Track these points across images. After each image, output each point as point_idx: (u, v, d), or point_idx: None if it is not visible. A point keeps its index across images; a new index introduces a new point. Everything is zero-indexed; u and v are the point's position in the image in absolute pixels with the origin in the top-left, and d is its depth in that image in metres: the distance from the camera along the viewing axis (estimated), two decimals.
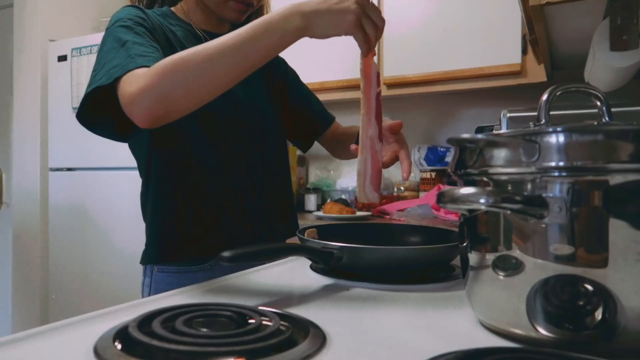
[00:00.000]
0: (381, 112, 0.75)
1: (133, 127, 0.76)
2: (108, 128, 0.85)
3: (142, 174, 0.93)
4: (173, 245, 0.89)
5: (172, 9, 0.98)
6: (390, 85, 2.12)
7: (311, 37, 0.69)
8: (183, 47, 0.88)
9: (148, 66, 0.71)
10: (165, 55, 0.80)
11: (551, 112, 0.46)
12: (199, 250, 0.88)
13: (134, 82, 0.69)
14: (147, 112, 0.69)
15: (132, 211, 2.10)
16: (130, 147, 0.95)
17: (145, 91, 0.68)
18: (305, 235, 0.77)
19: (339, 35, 0.69)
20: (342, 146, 1.11)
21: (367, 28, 0.68)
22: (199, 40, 0.93)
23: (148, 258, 0.91)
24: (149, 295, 0.87)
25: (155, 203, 0.90)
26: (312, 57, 2.28)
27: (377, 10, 0.69)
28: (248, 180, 0.92)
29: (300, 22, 0.67)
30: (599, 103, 0.48)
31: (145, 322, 0.40)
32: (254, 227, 0.93)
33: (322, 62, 2.26)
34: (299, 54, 2.34)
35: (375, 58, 0.74)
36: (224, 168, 0.90)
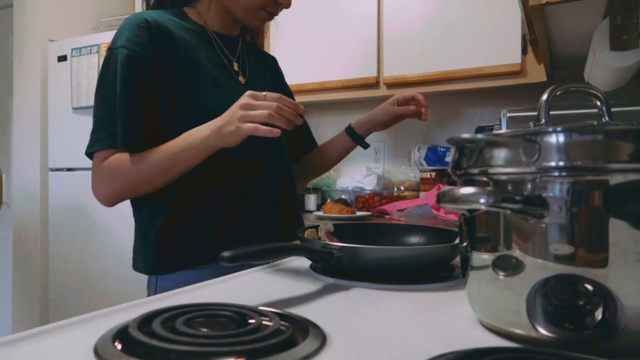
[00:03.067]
0: None
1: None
2: None
3: None
4: (182, 255, 0.88)
5: (185, 9, 0.98)
6: (390, 85, 2.12)
7: (226, 147, 0.80)
8: (193, 52, 0.90)
9: (126, 150, 0.84)
10: (170, 59, 0.87)
11: (551, 112, 0.46)
12: (208, 256, 0.86)
13: (102, 184, 0.85)
14: (107, 204, 0.88)
15: (132, 211, 2.10)
16: None
17: (102, 190, 0.86)
18: (306, 234, 0.77)
19: (246, 136, 0.77)
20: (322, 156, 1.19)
21: (251, 119, 0.76)
22: (210, 44, 0.95)
23: (154, 268, 0.89)
24: (155, 293, 0.88)
25: (163, 214, 0.88)
26: (313, 57, 2.28)
27: (255, 105, 0.77)
28: (256, 184, 0.93)
29: (211, 140, 0.79)
30: (599, 103, 0.48)
31: (145, 322, 0.40)
32: (262, 231, 0.93)
33: (322, 62, 2.26)
34: (299, 54, 2.35)
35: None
36: (231, 173, 0.90)
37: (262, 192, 0.94)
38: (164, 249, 0.88)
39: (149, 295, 0.90)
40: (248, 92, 0.79)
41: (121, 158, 0.84)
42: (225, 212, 0.90)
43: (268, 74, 1.10)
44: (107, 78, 0.85)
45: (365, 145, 1.13)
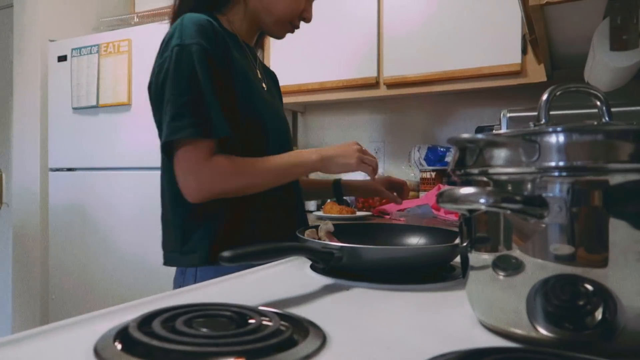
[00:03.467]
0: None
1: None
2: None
3: None
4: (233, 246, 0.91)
5: (217, 16, 1.02)
6: (390, 85, 2.12)
7: (327, 173, 0.99)
8: (239, 58, 0.97)
9: (213, 138, 0.87)
10: (228, 61, 0.93)
11: (551, 112, 0.46)
12: None
13: (195, 172, 0.86)
14: (199, 200, 0.88)
15: (132, 211, 2.10)
16: None
17: (202, 188, 0.87)
18: (306, 234, 0.77)
19: (349, 172, 0.99)
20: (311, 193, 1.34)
21: (367, 162, 0.98)
22: (243, 52, 1.02)
23: (207, 260, 0.92)
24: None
25: (222, 212, 0.94)
26: (312, 57, 2.28)
27: (369, 154, 1.01)
28: (291, 192, 1.08)
29: (319, 165, 0.96)
30: (599, 103, 0.48)
31: (145, 322, 0.40)
32: (292, 226, 1.02)
33: (322, 62, 2.26)
34: (299, 54, 2.35)
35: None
36: (280, 189, 0.99)
37: (295, 200, 1.11)
38: (224, 243, 0.92)
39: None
40: (355, 142, 1.00)
41: (237, 160, 0.90)
42: (272, 214, 1.00)
43: (273, 83, 1.21)
44: (183, 69, 0.86)
45: (341, 202, 1.33)
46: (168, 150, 0.89)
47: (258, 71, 1.07)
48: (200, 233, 0.93)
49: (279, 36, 1.08)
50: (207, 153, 0.86)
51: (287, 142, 1.08)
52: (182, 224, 0.95)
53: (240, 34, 1.04)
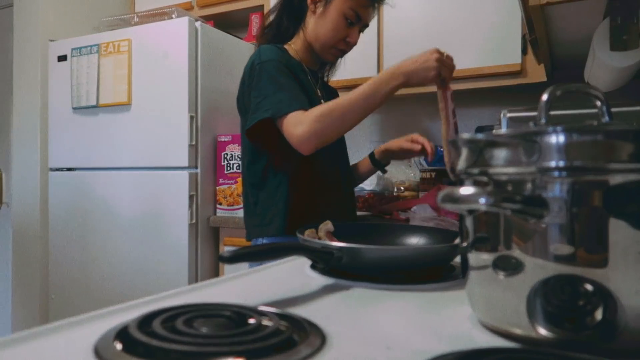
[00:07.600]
0: (454, 111, 1.12)
1: (280, 142, 1.11)
2: (260, 141, 1.19)
3: (276, 170, 1.20)
4: (296, 222, 1.04)
5: (285, 46, 1.25)
6: None
7: (407, 87, 1.06)
8: (303, 81, 1.19)
9: (305, 109, 1.08)
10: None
11: (551, 112, 0.46)
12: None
13: (298, 124, 1.05)
14: (311, 148, 1.07)
15: (132, 211, 2.10)
16: (273, 150, 1.21)
17: (310, 134, 1.05)
18: (306, 234, 0.77)
19: (427, 85, 1.06)
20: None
21: (444, 73, 1.04)
22: (306, 75, 1.25)
23: (284, 231, 1.15)
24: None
25: (288, 193, 1.17)
26: None
27: (449, 59, 1.06)
28: (339, 180, 1.29)
29: (401, 80, 1.04)
30: (599, 103, 0.48)
31: (145, 322, 0.40)
32: (341, 211, 1.28)
33: None
34: None
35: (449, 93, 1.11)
36: (330, 174, 1.25)
37: (346, 187, 1.32)
38: (292, 219, 1.16)
39: None
40: (435, 50, 1.05)
41: (327, 103, 1.08)
42: (327, 198, 1.21)
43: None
44: (263, 76, 1.11)
45: (384, 171, 1.48)
46: (253, 134, 1.13)
47: (318, 90, 1.28)
48: (274, 210, 1.17)
49: (329, 60, 1.29)
50: (303, 111, 1.07)
51: (339, 147, 1.29)
52: (262, 204, 1.19)
53: (303, 60, 1.26)
